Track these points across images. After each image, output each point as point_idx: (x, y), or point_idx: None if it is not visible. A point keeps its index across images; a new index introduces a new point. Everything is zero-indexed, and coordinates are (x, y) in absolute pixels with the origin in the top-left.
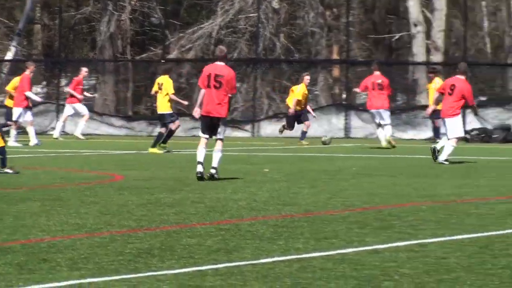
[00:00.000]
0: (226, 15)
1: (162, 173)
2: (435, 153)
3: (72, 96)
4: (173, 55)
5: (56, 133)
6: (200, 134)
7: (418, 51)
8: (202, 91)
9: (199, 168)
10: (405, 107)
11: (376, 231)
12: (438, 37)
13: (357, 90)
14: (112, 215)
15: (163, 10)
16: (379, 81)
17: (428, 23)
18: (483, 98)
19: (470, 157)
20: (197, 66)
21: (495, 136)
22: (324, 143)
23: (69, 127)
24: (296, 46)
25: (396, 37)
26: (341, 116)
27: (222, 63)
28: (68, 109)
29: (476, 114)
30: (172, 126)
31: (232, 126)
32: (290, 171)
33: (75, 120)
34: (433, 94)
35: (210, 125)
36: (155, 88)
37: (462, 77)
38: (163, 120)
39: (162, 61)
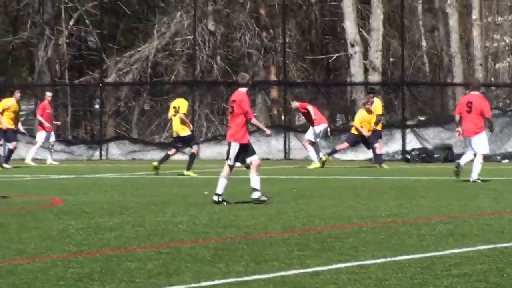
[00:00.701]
0: (163, 38)
1: (102, 197)
2: (459, 168)
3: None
4: (111, 78)
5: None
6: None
7: (356, 72)
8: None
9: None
10: (344, 128)
11: (317, 253)
12: (376, 57)
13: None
14: (53, 240)
15: (99, 34)
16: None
17: (365, 43)
18: (422, 118)
19: (410, 177)
20: (134, 89)
21: (436, 155)
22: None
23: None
24: (233, 68)
25: (334, 57)
26: (280, 138)
27: (241, 89)
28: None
29: (491, 130)
30: (174, 151)
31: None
32: (230, 193)
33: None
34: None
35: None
36: (171, 112)
37: (477, 93)
38: (190, 141)
39: (100, 85)
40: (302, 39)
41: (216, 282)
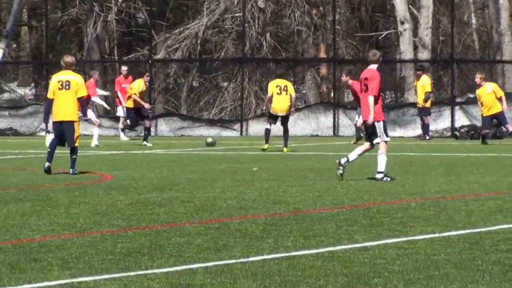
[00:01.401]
0: (212, 15)
1: (151, 173)
2: None
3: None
4: (160, 55)
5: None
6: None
7: (406, 49)
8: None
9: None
10: (393, 105)
11: (365, 229)
12: (426, 35)
13: None
14: (102, 215)
15: (148, 10)
16: None
17: (415, 20)
18: (471, 95)
19: (459, 154)
20: (183, 66)
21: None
22: (209, 144)
23: None
24: (282, 45)
25: (383, 35)
26: (329, 115)
27: (372, 66)
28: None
29: None
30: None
31: (221, 125)
32: (278, 170)
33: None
34: (421, 91)
35: (367, 130)
36: (275, 90)
37: None
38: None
39: (149, 61)
40: (352, 16)
41: (265, 257)
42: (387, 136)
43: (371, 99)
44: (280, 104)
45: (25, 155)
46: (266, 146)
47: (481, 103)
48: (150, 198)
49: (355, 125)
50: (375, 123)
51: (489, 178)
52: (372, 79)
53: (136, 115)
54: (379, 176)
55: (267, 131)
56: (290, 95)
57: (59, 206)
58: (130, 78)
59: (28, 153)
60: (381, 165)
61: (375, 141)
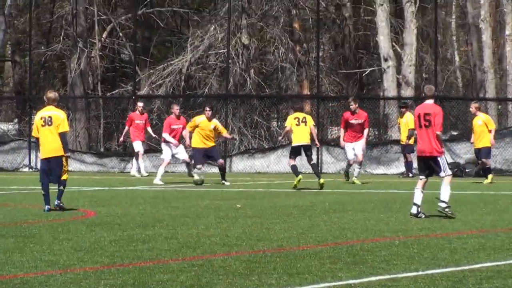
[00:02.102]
0: (196, 51)
1: (134, 209)
2: None
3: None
4: (144, 91)
5: (134, 171)
6: (420, 175)
7: (389, 86)
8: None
9: (414, 210)
10: (376, 142)
11: (349, 266)
12: (409, 72)
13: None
14: (85, 252)
15: (132, 46)
16: None
17: (398, 58)
18: (455, 133)
19: None
20: (167, 102)
21: (468, 170)
22: (196, 182)
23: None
24: (266, 81)
25: (367, 71)
26: (313, 151)
27: (429, 101)
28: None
29: None
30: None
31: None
32: (262, 206)
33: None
34: (404, 128)
35: (426, 165)
36: (293, 122)
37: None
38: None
39: (133, 97)
40: (336, 53)
41: None
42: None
43: (439, 135)
44: (300, 135)
45: (8, 191)
46: (299, 177)
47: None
48: (133, 235)
49: (349, 162)
50: (439, 158)
51: (472, 216)
52: (437, 115)
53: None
54: (443, 205)
55: (294, 167)
56: (310, 126)
57: (42, 243)
58: (145, 115)
59: (11, 188)
60: (446, 195)
61: (440, 175)
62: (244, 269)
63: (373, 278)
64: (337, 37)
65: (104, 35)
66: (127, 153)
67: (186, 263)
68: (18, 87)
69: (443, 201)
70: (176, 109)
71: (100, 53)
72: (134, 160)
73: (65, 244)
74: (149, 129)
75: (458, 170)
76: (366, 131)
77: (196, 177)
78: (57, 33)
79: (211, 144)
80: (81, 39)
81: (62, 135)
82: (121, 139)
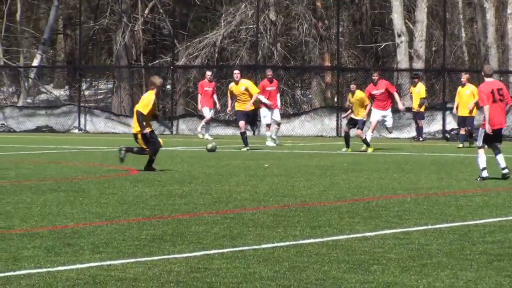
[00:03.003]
0: (229, 26)
1: (173, 167)
2: None
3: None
4: (181, 62)
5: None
6: (480, 144)
7: (402, 59)
8: (486, 107)
9: (485, 174)
10: (390, 110)
11: (365, 220)
12: (420, 46)
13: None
14: (129, 205)
15: (172, 21)
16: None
17: (410, 33)
18: None
19: (450, 154)
20: (202, 72)
21: (473, 135)
22: (210, 150)
23: (88, 126)
24: (291, 54)
25: (382, 46)
26: (333, 117)
27: (492, 79)
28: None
29: None
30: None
31: (235, 126)
32: (287, 166)
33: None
34: (416, 97)
35: (494, 136)
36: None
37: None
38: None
39: (172, 67)
40: (354, 29)
41: (276, 244)
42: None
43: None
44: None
45: (60, 150)
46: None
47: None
48: (172, 190)
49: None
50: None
51: (477, 176)
52: (505, 89)
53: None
54: (506, 170)
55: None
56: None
57: (90, 197)
58: (213, 83)
59: (62, 148)
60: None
61: (500, 145)
62: (271, 222)
63: (387, 231)
64: (355, 15)
65: (146, 11)
66: (167, 117)
67: (219, 216)
68: (69, 57)
69: (507, 167)
70: (207, 74)
71: (143, 27)
72: (203, 123)
73: (111, 198)
74: (215, 97)
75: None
76: (395, 96)
77: (209, 145)
78: (104, 9)
79: (250, 107)
80: (126, 15)
81: (136, 113)
82: (199, 107)
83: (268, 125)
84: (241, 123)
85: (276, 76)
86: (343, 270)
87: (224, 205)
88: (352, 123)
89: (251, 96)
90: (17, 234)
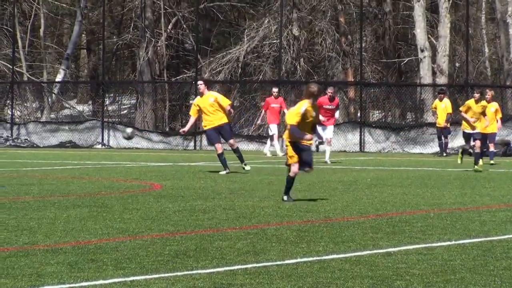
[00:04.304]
0: (252, 41)
1: (196, 183)
2: None
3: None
4: (204, 76)
5: (267, 150)
6: None
7: (425, 74)
8: None
9: None
10: (413, 125)
11: (389, 236)
12: (443, 61)
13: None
14: (152, 220)
15: (195, 37)
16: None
17: (433, 48)
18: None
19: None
20: (226, 87)
21: (495, 150)
22: (128, 137)
23: (112, 141)
24: (314, 69)
25: (405, 61)
26: (356, 133)
27: None
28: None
29: None
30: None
31: (259, 141)
32: (310, 181)
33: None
34: (442, 113)
35: None
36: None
37: None
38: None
39: (194, 82)
40: (377, 44)
41: (299, 260)
42: None
43: None
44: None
45: (83, 166)
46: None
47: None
48: (195, 206)
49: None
50: None
51: (500, 191)
52: None
53: None
54: None
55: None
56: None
57: (113, 212)
58: (280, 98)
59: (85, 163)
60: None
61: None
62: (294, 237)
63: (410, 247)
64: (378, 30)
65: (169, 27)
66: (190, 133)
67: (242, 231)
68: (92, 73)
69: None
70: (273, 91)
71: (166, 42)
72: (268, 140)
73: (134, 213)
74: (286, 111)
75: (487, 150)
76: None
77: (128, 130)
78: (127, 24)
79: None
80: (149, 30)
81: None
82: (258, 121)
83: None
84: (218, 145)
85: (300, 91)
86: (366, 286)
87: (248, 220)
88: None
89: (221, 108)
90: (40, 250)
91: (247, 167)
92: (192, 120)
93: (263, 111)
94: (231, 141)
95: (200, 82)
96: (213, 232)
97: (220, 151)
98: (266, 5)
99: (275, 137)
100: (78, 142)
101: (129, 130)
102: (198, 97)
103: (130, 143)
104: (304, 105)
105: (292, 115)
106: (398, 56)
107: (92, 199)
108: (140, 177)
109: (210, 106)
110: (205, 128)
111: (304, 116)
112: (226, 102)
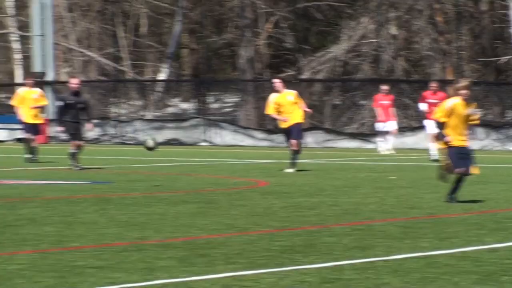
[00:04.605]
0: (350, 40)
1: (301, 179)
2: None
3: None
4: (305, 75)
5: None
6: None
7: None
8: None
9: None
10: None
11: (493, 232)
12: None
13: None
14: (259, 217)
15: (294, 36)
16: None
17: None
18: None
19: None
20: (326, 85)
21: None
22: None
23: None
24: (414, 68)
25: (506, 59)
26: None
27: None
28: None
29: None
30: None
31: (361, 139)
32: (413, 178)
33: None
34: None
35: None
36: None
37: None
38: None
39: (296, 81)
40: (474, 43)
41: (405, 255)
42: None
43: None
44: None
45: (189, 163)
46: None
47: None
48: (300, 202)
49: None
50: None
51: None
52: None
53: None
54: None
55: None
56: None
57: (221, 208)
58: (390, 96)
59: (191, 160)
60: None
61: None
62: (399, 233)
63: None
64: (475, 29)
65: (269, 26)
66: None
67: (348, 227)
68: (194, 71)
69: None
70: (383, 88)
71: (266, 41)
72: (387, 137)
73: (241, 209)
74: (392, 110)
75: None
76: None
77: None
78: (227, 23)
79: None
80: (248, 29)
81: None
82: (379, 119)
83: None
84: (293, 141)
85: (399, 89)
86: (473, 281)
87: (353, 216)
88: None
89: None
90: (151, 245)
91: (289, 170)
92: (276, 116)
93: (375, 108)
94: (296, 142)
95: (277, 80)
96: (320, 228)
97: (295, 148)
98: (363, 4)
99: (393, 132)
100: (183, 139)
101: (151, 141)
102: (275, 94)
103: (234, 140)
104: (454, 101)
105: (439, 111)
106: (496, 55)
107: (199, 195)
108: (246, 174)
109: (290, 104)
110: (282, 126)
111: (454, 111)
112: (302, 102)
